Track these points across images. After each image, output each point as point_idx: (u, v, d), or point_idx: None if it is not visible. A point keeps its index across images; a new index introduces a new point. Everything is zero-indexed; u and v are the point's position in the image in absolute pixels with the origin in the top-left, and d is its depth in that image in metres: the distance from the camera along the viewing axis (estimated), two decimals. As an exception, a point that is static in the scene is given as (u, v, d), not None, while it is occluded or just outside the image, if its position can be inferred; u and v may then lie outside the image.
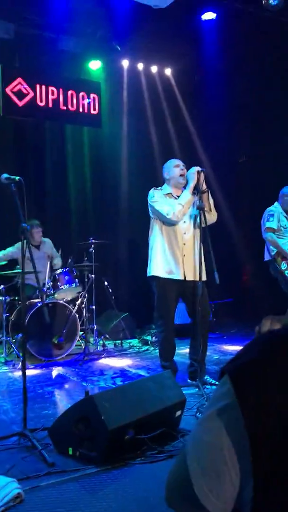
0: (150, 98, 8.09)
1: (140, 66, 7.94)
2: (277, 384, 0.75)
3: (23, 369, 3.03)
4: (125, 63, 7.79)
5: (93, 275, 5.87)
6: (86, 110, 7.40)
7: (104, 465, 2.54)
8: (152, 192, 4.19)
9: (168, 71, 8.18)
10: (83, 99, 7.38)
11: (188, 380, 4.21)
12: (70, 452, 2.70)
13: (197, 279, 4.02)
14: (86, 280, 5.84)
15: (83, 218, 7.48)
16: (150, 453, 2.67)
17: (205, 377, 4.15)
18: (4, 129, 6.81)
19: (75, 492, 2.27)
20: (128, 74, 7.88)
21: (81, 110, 7.34)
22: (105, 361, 5.32)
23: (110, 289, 6.12)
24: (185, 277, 4.06)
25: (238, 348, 5.07)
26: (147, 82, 8.07)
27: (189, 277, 4.07)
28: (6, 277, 5.75)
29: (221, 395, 0.80)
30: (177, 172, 4.19)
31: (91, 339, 6.06)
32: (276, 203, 5.47)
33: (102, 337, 6.12)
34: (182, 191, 4.17)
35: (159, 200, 4.11)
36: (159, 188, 4.27)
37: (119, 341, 6.20)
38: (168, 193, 4.21)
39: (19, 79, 6.73)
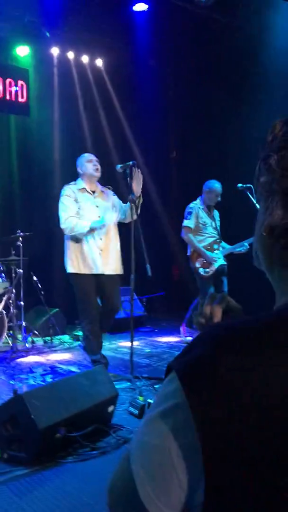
0: (81, 88, 7.91)
1: (71, 55, 7.74)
2: (229, 381, 0.69)
3: None
4: (55, 51, 7.55)
5: (21, 270, 5.65)
6: (13, 98, 7.09)
7: (33, 466, 2.42)
8: (63, 189, 4.22)
9: (99, 62, 8.04)
10: (10, 86, 7.07)
11: None
12: (-2, 455, 2.56)
13: (115, 273, 4.19)
14: (13, 275, 5.61)
15: (10, 210, 7.18)
16: (82, 450, 2.60)
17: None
18: None
19: (3, 496, 2.14)
20: (58, 62, 7.66)
21: (8, 97, 7.03)
22: (34, 358, 5.14)
23: (39, 284, 5.92)
24: (103, 272, 4.13)
25: (169, 340, 5.14)
26: (78, 71, 7.88)
27: (107, 271, 4.15)
28: None
29: (167, 394, 0.73)
30: (90, 167, 4.22)
31: (19, 336, 5.83)
32: (198, 199, 5.50)
33: (31, 333, 5.91)
34: (98, 188, 4.26)
35: (66, 203, 4.12)
36: (73, 182, 4.28)
37: (49, 338, 6.03)
38: (82, 188, 4.22)
39: None
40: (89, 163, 4.23)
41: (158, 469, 0.70)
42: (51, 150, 7.57)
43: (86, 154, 4.40)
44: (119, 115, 8.26)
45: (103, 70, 8.12)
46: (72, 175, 4.56)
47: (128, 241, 4.04)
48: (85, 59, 7.91)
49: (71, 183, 4.29)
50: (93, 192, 4.24)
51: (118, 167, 4.18)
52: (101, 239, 4.14)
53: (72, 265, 4.15)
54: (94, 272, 4.12)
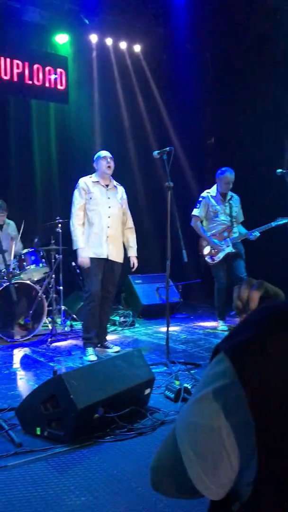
0: (119, 74, 7.93)
1: (109, 41, 7.75)
2: (279, 362, 0.71)
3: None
4: (93, 37, 7.58)
5: (60, 256, 5.77)
6: (52, 85, 7.18)
7: (72, 444, 2.52)
8: (78, 182, 4.61)
9: (137, 48, 8.01)
10: (49, 73, 7.16)
11: None
12: (38, 432, 2.66)
13: (118, 260, 4.58)
14: (53, 260, 5.74)
15: (50, 197, 7.32)
16: (120, 431, 2.67)
17: (106, 343, 4.84)
18: None
19: (44, 471, 2.24)
20: (96, 49, 7.68)
21: (47, 85, 7.12)
22: (72, 342, 5.27)
23: (77, 270, 6.03)
24: (107, 257, 4.49)
25: (205, 325, 5.16)
26: (116, 57, 7.89)
27: (111, 257, 4.52)
28: None
29: (216, 375, 0.75)
30: (104, 165, 4.57)
31: (59, 320, 5.99)
32: (213, 186, 5.58)
33: (70, 318, 6.06)
34: (111, 182, 4.65)
35: (77, 196, 4.57)
36: (89, 176, 4.67)
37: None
38: (97, 181, 4.61)
39: (-18, 51, 6.45)
40: (103, 161, 4.58)
41: (208, 449, 0.72)
42: (90, 137, 7.63)
43: (102, 152, 4.69)
44: (157, 100, 8.24)
45: (141, 56, 8.09)
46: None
47: (164, 227, 4.07)
48: (123, 45, 7.90)
49: (87, 176, 4.65)
50: (107, 185, 4.62)
51: (155, 153, 4.21)
52: (108, 226, 4.49)
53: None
54: (101, 256, 4.47)
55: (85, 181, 4.58)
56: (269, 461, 0.70)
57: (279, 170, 4.86)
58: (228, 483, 0.73)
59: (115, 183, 4.72)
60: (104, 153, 4.67)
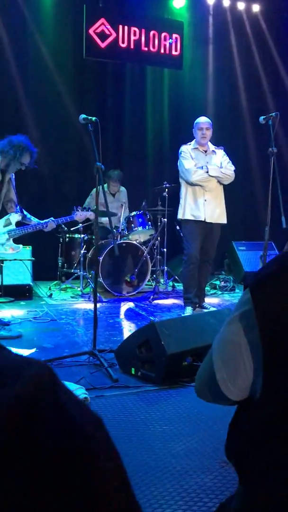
0: (236, 36, 7.75)
1: (226, 2, 7.59)
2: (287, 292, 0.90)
3: (95, 297, 3.33)
4: (211, 0, 7.49)
5: (165, 219, 6.03)
6: (167, 51, 7.29)
7: (162, 385, 2.80)
8: (181, 148, 4.83)
9: (256, 8, 7.74)
10: (165, 39, 7.26)
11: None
12: (133, 372, 2.99)
13: (218, 221, 4.75)
14: (158, 223, 6.02)
15: (160, 162, 7.55)
16: (205, 379, 2.89)
17: (203, 304, 5.01)
18: (85, 70, 6.92)
19: (134, 402, 2.56)
20: (213, 11, 7.58)
21: (162, 51, 7.25)
22: (173, 301, 5.57)
23: (181, 233, 6.25)
24: (205, 219, 4.65)
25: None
26: (233, 19, 7.71)
27: (210, 220, 4.68)
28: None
29: (242, 302, 0.97)
30: (199, 135, 4.76)
31: (162, 280, 6.32)
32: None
33: (172, 278, 6.35)
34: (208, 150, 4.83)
35: (186, 157, 4.75)
36: (189, 143, 4.86)
37: (189, 284, 6.40)
38: (195, 148, 4.81)
39: (102, 20, 6.75)
40: (199, 131, 4.77)
41: (231, 358, 0.95)
42: (204, 103, 7.64)
43: (200, 121, 4.82)
44: (276, 62, 7.93)
45: (260, 16, 7.81)
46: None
47: (265, 193, 4.09)
48: (241, 5, 7.68)
49: (188, 143, 4.86)
50: (205, 151, 4.82)
51: (261, 118, 4.19)
52: (206, 190, 4.68)
53: (183, 212, 4.75)
54: (199, 219, 4.65)
55: (186, 148, 4.82)
56: (273, 378, 0.90)
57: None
58: (245, 387, 0.94)
59: (213, 147, 4.89)
60: (201, 123, 4.82)
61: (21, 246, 3.97)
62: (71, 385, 2.51)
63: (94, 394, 2.65)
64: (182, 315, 4.68)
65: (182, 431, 2.22)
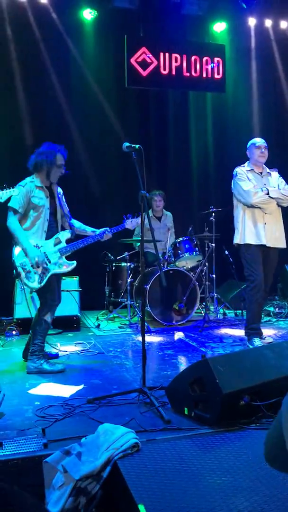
0: (281, 56, 7.61)
1: (268, 23, 7.49)
2: None
3: (142, 330, 3.18)
4: (252, 21, 7.40)
5: (213, 244, 5.85)
6: (209, 75, 7.23)
7: (218, 427, 2.57)
8: (236, 171, 4.61)
9: (298, 26, 7.60)
10: (206, 64, 7.22)
11: None
12: (186, 412, 2.78)
13: (276, 246, 4.48)
14: (206, 249, 5.85)
15: (205, 187, 7.42)
16: (266, 420, 2.64)
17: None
18: (128, 98, 6.97)
19: (188, 448, 2.34)
20: (255, 33, 7.49)
21: (204, 75, 7.20)
22: (225, 330, 5.33)
23: (230, 258, 6.04)
24: (266, 243, 4.41)
25: None
26: (277, 39, 7.59)
27: (269, 244, 4.42)
28: (130, 245, 6.00)
29: None
30: (257, 154, 4.56)
31: (212, 307, 6.09)
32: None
33: (223, 305, 6.11)
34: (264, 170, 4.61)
35: (243, 178, 4.51)
36: (243, 165, 4.64)
37: (240, 311, 6.14)
38: (251, 169, 4.59)
39: (143, 49, 6.81)
40: (257, 150, 4.57)
41: None
42: (247, 126, 7.51)
43: (256, 142, 4.63)
44: None
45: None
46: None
47: None
48: (284, 24, 7.55)
49: (241, 165, 4.65)
50: (260, 173, 4.61)
51: None
52: (265, 213, 4.45)
53: (241, 237, 4.51)
54: (258, 242, 4.40)
55: (241, 170, 4.60)
56: None
57: None
58: None
59: (268, 169, 4.67)
60: (258, 142, 4.63)
61: (75, 262, 3.93)
62: (120, 429, 2.35)
63: (144, 437, 2.46)
64: (251, 347, 4.34)
65: (244, 484, 1.99)
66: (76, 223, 4.09)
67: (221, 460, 2.21)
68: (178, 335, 5.12)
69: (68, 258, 3.92)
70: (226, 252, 6.02)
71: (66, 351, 4.46)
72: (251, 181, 4.50)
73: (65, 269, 3.88)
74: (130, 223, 4.23)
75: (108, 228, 4.04)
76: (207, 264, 5.83)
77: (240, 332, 5.12)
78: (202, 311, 5.80)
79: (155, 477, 2.06)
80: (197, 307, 5.66)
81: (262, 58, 7.54)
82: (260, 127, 7.48)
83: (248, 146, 4.70)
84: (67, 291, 5.42)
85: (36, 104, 6.40)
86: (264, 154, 4.55)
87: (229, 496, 1.90)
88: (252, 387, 2.65)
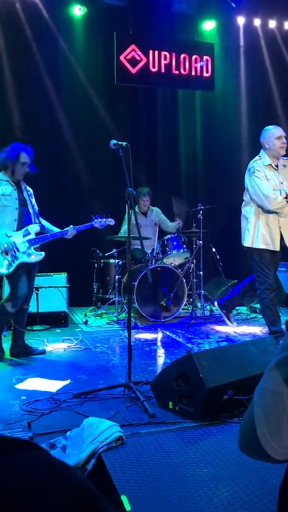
0: (269, 56, 7.67)
1: (257, 22, 7.54)
2: None
3: (128, 327, 3.21)
4: (241, 20, 7.45)
5: (201, 242, 5.90)
6: (198, 73, 7.26)
7: (201, 421, 2.62)
8: (253, 166, 4.24)
9: None
10: (195, 62, 7.25)
11: None
12: (170, 406, 2.83)
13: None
14: (194, 246, 5.89)
15: (193, 184, 7.47)
16: (248, 414, 2.69)
17: None
18: (117, 96, 6.98)
19: (171, 441, 2.39)
20: (244, 32, 7.54)
21: (193, 73, 7.23)
22: (211, 326, 5.38)
23: (217, 256, 6.09)
24: (278, 249, 4.27)
25: None
26: (266, 38, 7.64)
27: (278, 247, 4.29)
28: (118, 242, 6.03)
29: (283, 347, 0.83)
30: (278, 145, 4.21)
31: (199, 304, 6.15)
32: None
33: (209, 302, 6.17)
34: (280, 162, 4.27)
35: (261, 177, 4.18)
36: (258, 157, 4.30)
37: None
38: (268, 165, 4.25)
39: (132, 46, 6.81)
40: (277, 141, 4.23)
41: (272, 411, 0.79)
42: (236, 124, 7.56)
43: (277, 130, 4.30)
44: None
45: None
46: (258, 148, 4.53)
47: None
48: (272, 24, 7.61)
49: (256, 158, 4.33)
50: (276, 166, 4.29)
51: None
52: (281, 217, 4.25)
53: (253, 240, 4.32)
54: (271, 248, 4.26)
55: (258, 165, 4.25)
56: None
57: None
58: None
59: (282, 161, 4.35)
60: (279, 131, 4.28)
61: (43, 253, 4.12)
62: (105, 423, 2.38)
63: (129, 431, 2.50)
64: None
65: (225, 475, 2.04)
66: (45, 223, 4.29)
67: (203, 452, 2.25)
68: (165, 331, 5.16)
69: (37, 250, 4.11)
70: (214, 250, 6.07)
71: (54, 349, 4.48)
72: (270, 181, 4.19)
73: (33, 258, 4.06)
74: (99, 223, 4.42)
75: (72, 225, 4.25)
76: (194, 261, 5.88)
77: (226, 329, 5.18)
78: (189, 308, 5.85)
79: (138, 469, 2.10)
80: (184, 304, 5.71)
81: (251, 57, 7.59)
82: (248, 125, 7.54)
83: (264, 135, 4.31)
84: (55, 287, 5.44)
85: (26, 100, 6.39)
86: (285, 144, 4.21)
87: (210, 487, 1.95)
88: (236, 381, 2.70)
